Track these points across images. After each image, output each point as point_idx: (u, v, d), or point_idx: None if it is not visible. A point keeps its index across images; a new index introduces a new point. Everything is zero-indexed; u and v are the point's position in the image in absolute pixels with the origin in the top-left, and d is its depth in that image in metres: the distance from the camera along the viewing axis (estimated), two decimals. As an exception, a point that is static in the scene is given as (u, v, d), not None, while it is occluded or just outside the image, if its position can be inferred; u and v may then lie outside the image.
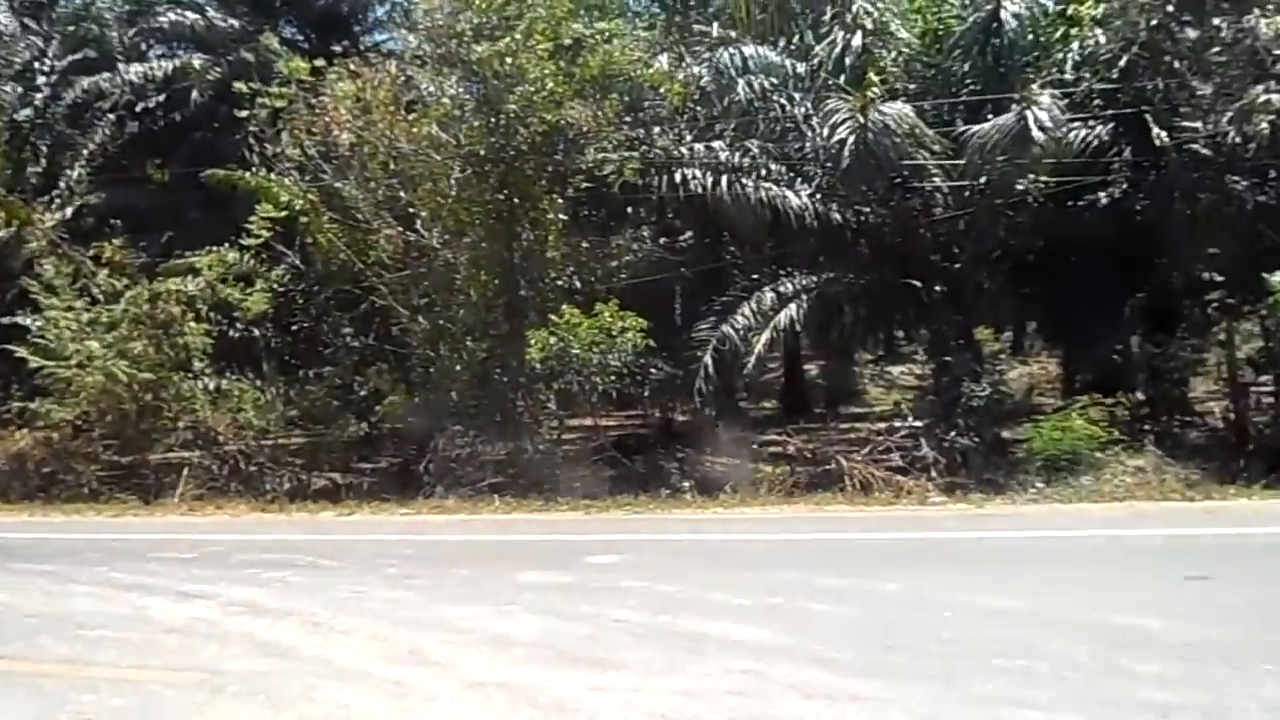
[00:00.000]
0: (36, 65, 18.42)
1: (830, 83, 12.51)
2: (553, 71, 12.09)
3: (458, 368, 12.85)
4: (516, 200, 12.75)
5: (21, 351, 13.81)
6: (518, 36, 11.98)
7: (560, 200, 12.92)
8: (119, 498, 13.27)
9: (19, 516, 12.55)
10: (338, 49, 16.19)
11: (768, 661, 4.90)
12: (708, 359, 12.17)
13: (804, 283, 12.88)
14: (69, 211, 17.07)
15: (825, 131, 12.18)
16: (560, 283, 13.07)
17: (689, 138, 13.92)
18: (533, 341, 11.73)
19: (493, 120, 12.40)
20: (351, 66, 13.67)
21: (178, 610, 6.67)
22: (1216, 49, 11.59)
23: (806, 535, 9.39)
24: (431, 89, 13.54)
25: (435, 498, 12.04)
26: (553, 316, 11.94)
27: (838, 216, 12.88)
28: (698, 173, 13.09)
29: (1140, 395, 13.03)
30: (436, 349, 13.21)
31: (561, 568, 7.63)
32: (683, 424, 14.39)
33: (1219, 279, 12.41)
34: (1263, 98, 10.92)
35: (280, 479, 13.33)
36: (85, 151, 17.74)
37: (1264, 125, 10.88)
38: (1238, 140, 11.32)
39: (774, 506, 10.80)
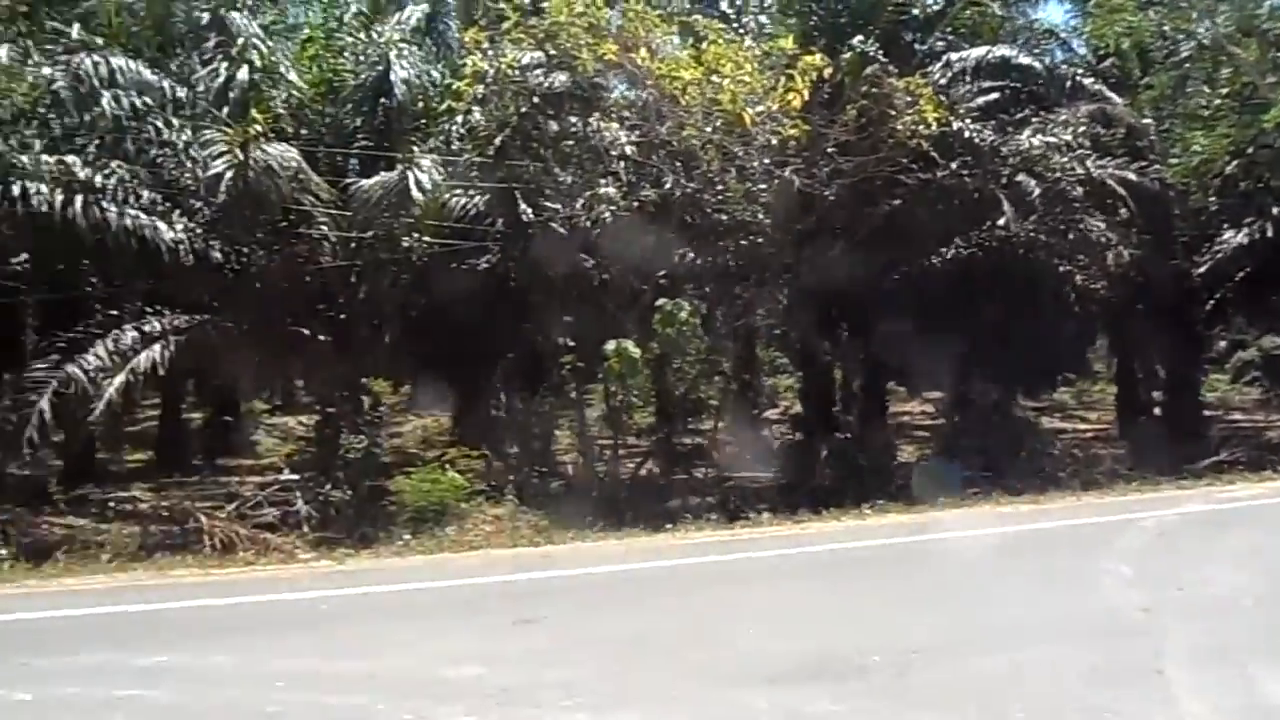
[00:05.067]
0: None
1: (212, 113, 11.86)
2: None
3: None
4: None
5: None
6: None
7: None
8: None
9: None
10: None
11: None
12: (45, 403, 10.54)
13: (176, 323, 11.78)
14: None
15: (205, 163, 11.43)
16: None
17: (37, 146, 11.51)
18: None
19: None
20: None
21: None
22: (570, 143, 12.61)
23: (140, 606, 7.67)
24: None
25: None
26: None
27: (219, 255, 12.06)
28: (44, 188, 10.93)
29: (511, 448, 13.81)
30: None
31: None
32: (15, 479, 11.57)
33: (572, 344, 12.62)
34: (604, 190, 12.48)
35: None
36: None
37: (606, 214, 12.27)
38: (587, 224, 12.50)
39: (111, 574, 8.97)
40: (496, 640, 6.16)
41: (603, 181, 12.58)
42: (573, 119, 12.39)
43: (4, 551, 9.51)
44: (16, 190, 10.77)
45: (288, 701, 4.95)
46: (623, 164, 12.91)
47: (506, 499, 11.60)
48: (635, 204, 12.38)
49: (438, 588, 8.46)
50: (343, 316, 12.65)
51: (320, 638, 6.47)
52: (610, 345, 11.71)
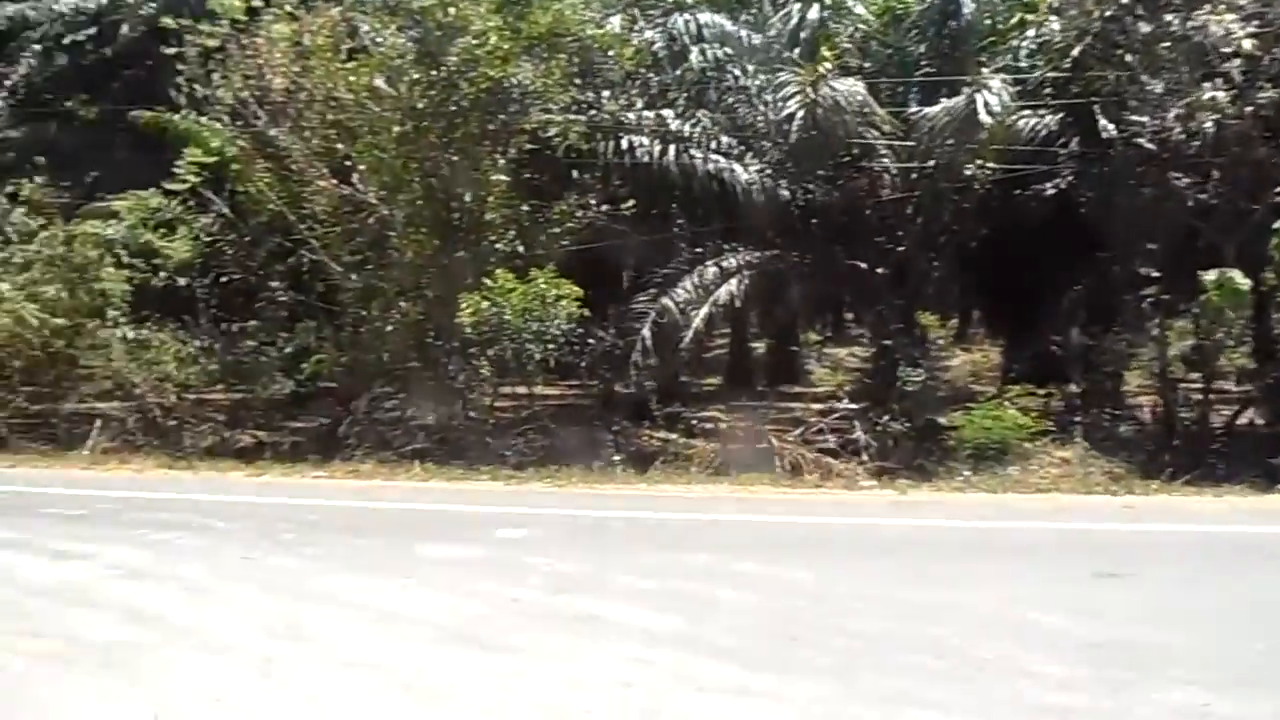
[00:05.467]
0: (-40, -11, 17.62)
1: (784, 55, 12.21)
2: (497, 26, 11.21)
3: (389, 328, 12.17)
4: (457, 158, 11.80)
5: (-70, 289, 13.15)
6: (463, -15, 10.87)
7: (502, 161, 11.94)
8: (28, 447, 12.53)
9: (-96, 464, 12.02)
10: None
11: (664, 650, 4.71)
12: (646, 331, 11.76)
13: (748, 258, 12.42)
14: (-11, 146, 16.55)
15: (777, 105, 11.89)
16: (499, 246, 12.01)
17: (639, 104, 13.05)
18: (465, 305, 10.96)
19: (433, 73, 11.52)
20: (288, 8, 12.26)
21: (50, 571, 6.42)
22: (1167, 44, 11.17)
23: (728, 516, 8.57)
24: (375, 37, 12.25)
25: (354, 461, 11.20)
26: (487, 281, 10.97)
27: (786, 193, 12.53)
28: (645, 140, 12.47)
29: (1074, 387, 12.74)
30: (368, 308, 12.34)
31: (467, 541, 7.20)
32: (622, 396, 12.62)
33: (1156, 275, 11.37)
34: (1208, 95, 10.70)
35: (200, 435, 12.55)
36: (8, 83, 16.87)
37: (1208, 124, 10.73)
38: (1182, 137, 10.98)
39: (700, 485, 10.05)
40: (1077, 591, 5.79)
41: (1206, 86, 10.70)
42: (1169, 16, 10.76)
43: (617, 458, 11.09)
44: (625, 144, 12.41)
45: (865, 621, 5.16)
46: (1235, 62, 10.80)
47: (1074, 441, 10.80)
48: (1248, 109, 10.45)
49: (1004, 528, 8.24)
50: (899, 249, 12.52)
51: (891, 564, 6.59)
52: (1210, 275, 10.18)
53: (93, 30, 17.88)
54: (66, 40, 17.96)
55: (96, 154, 16.64)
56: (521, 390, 12.73)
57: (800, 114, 11.31)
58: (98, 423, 12.46)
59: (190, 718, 3.97)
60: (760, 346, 19.63)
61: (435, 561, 6.53)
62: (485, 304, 10.76)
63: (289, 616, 5.28)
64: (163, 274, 13.09)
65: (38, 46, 17.51)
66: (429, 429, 11.67)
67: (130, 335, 12.76)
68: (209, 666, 4.51)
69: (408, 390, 12.03)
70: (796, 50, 12.21)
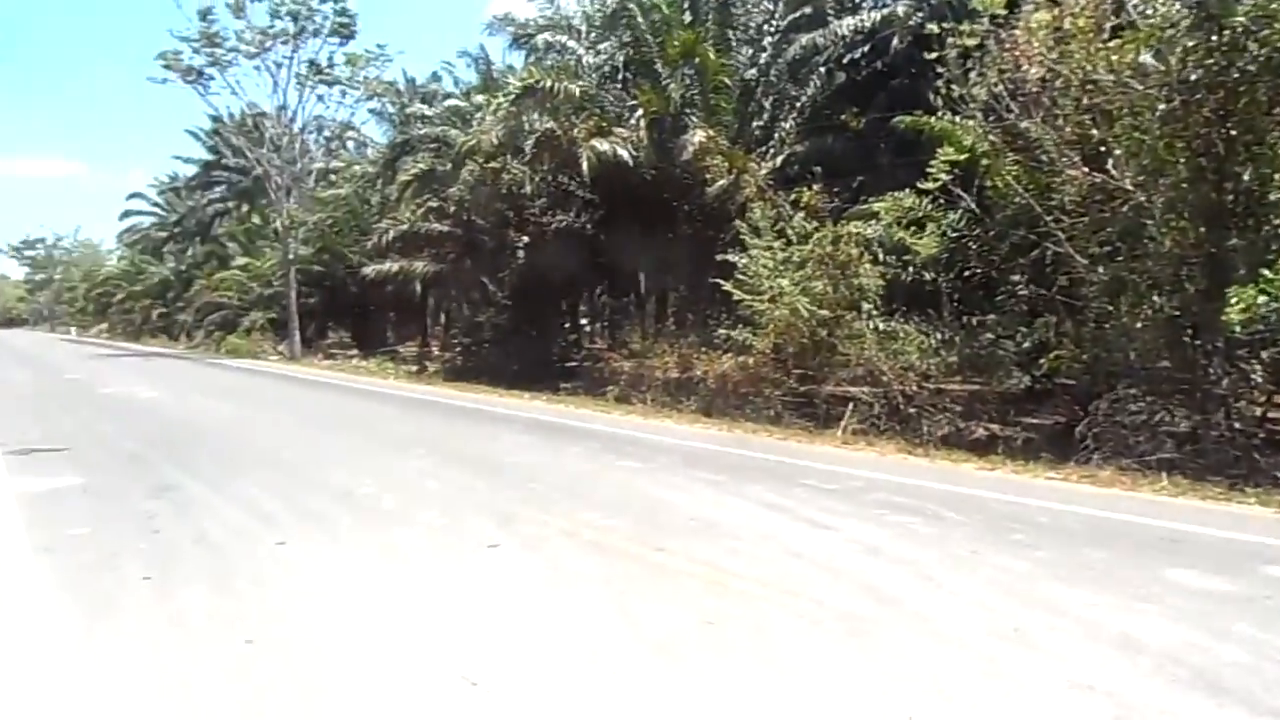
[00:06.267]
0: (765, 27, 20.93)
1: None
2: (1307, -30, 9.00)
3: (1139, 324, 10.92)
4: (1235, 133, 9.93)
5: (728, 286, 15.11)
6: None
7: (1298, 130, 9.78)
8: (795, 423, 13.73)
9: (711, 430, 13.40)
10: (1040, -24, 11.69)
11: None
12: None
13: None
14: (779, 160, 19.48)
15: None
16: (1288, 231, 9.90)
17: None
18: (1234, 300, 9.35)
19: (1213, 39, 9.72)
20: (1052, -6, 10.99)
21: (805, 537, 6.89)
22: None
23: None
24: (1144, 9, 10.72)
25: (1091, 465, 10.03)
26: (1266, 272, 9.29)
27: None
28: None
29: None
30: (1116, 303, 11.25)
31: (1225, 572, 5.99)
32: None
33: None
34: None
35: (937, 424, 12.92)
36: (798, 104, 20.09)
37: None
38: None
39: None
40: None
41: None
42: None
43: None
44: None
45: None
46: None
47: None
48: None
49: None
50: None
51: None
52: None
53: (866, 48, 19.91)
54: (845, 60, 20.26)
55: (862, 160, 18.66)
56: (1299, 401, 10.57)
57: None
58: (850, 405, 13.52)
59: (918, 706, 4.02)
60: None
61: (1182, 590, 5.64)
62: (1262, 299, 9.17)
63: (1015, 620, 5.03)
64: (910, 269, 14.15)
65: (823, 69, 19.83)
66: (1181, 438, 10.35)
67: (880, 326, 14.01)
68: (938, 657, 4.53)
69: (1157, 393, 10.80)
70: None
